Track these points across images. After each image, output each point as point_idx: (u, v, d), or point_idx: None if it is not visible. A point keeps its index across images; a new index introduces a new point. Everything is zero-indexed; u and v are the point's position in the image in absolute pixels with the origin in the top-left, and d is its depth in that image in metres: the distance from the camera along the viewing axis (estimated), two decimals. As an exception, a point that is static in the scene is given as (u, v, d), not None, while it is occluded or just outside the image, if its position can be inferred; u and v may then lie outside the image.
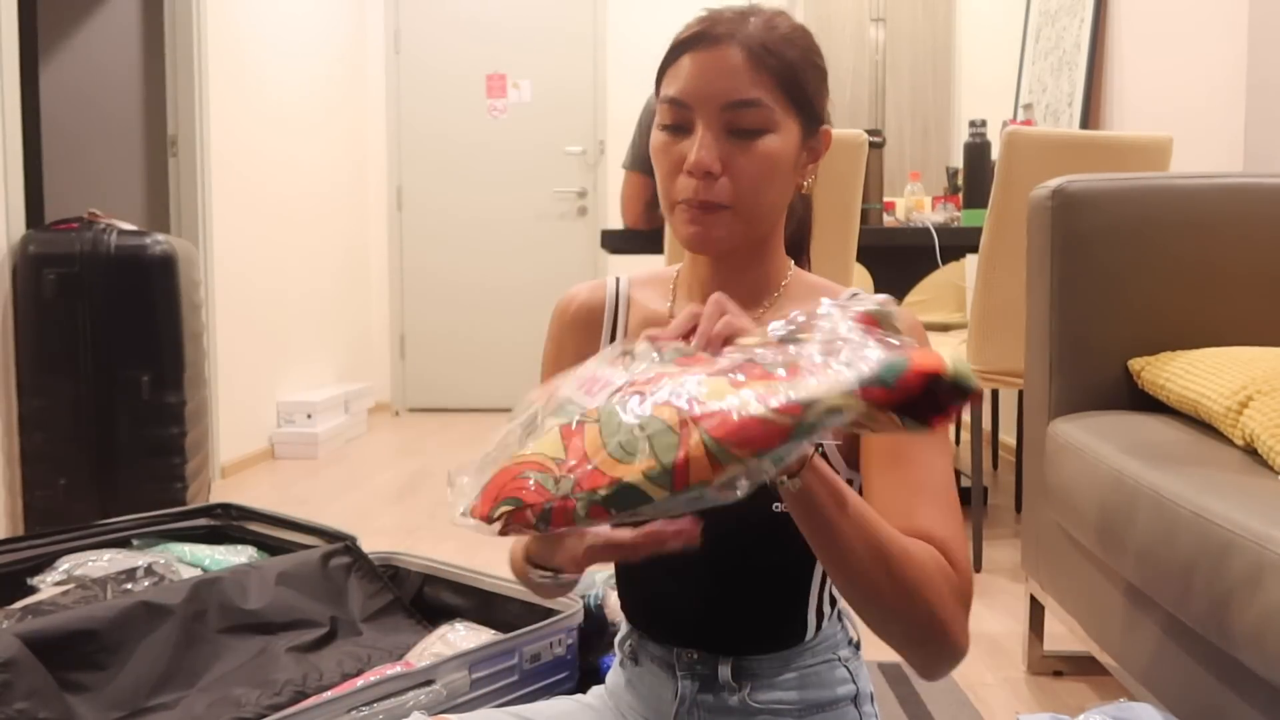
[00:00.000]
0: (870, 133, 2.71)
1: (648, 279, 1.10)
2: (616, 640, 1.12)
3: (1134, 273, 1.82)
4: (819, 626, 1.01)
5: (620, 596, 1.10)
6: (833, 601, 1.03)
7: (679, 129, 0.95)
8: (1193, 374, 1.64)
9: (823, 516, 0.77)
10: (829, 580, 1.00)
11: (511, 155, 5.40)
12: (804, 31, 0.98)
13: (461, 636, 1.78)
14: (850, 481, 0.97)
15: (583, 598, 1.84)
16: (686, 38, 0.95)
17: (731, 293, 0.98)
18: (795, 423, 0.58)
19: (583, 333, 1.08)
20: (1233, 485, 1.31)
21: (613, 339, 1.06)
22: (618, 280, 1.10)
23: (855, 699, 1.03)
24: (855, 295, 0.95)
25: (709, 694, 1.01)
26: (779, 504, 0.92)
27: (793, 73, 0.94)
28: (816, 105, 0.98)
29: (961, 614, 0.83)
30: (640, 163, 2.91)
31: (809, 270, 1.11)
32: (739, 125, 0.93)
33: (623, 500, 0.62)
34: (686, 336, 0.73)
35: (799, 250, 1.11)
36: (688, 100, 0.93)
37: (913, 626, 0.81)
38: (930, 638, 0.81)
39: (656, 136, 0.97)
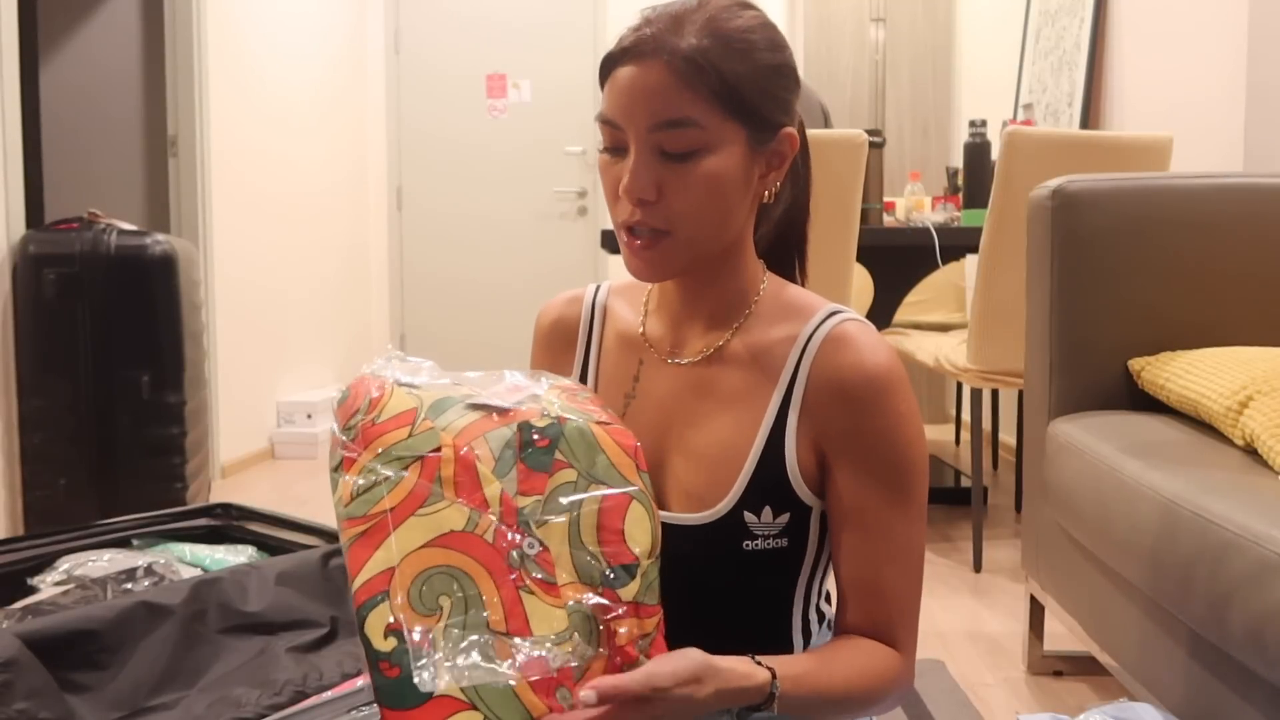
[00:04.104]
0: (870, 133, 2.71)
1: (627, 287, 1.06)
2: None
3: (1134, 273, 1.82)
4: (806, 642, 0.99)
5: None
6: (820, 616, 1.01)
7: (616, 150, 0.90)
8: (1193, 374, 1.64)
9: (793, 713, 0.85)
10: (814, 598, 0.99)
11: (511, 155, 5.40)
12: (754, 29, 0.89)
13: (461, 636, 1.78)
14: (820, 513, 0.94)
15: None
16: (616, 51, 0.89)
17: (698, 310, 0.98)
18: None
19: (559, 346, 1.06)
20: (1233, 485, 1.32)
21: (587, 352, 1.04)
22: (598, 289, 1.07)
23: None
24: (835, 314, 0.95)
25: None
26: (749, 542, 0.91)
27: (727, 85, 0.86)
28: (766, 111, 0.90)
29: (899, 699, 0.93)
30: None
31: (804, 281, 1.05)
32: (669, 148, 0.87)
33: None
34: None
35: (788, 261, 1.05)
36: (617, 120, 0.88)
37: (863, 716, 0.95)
38: (872, 714, 0.95)
39: (600, 156, 0.93)
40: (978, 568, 2.70)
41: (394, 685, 0.71)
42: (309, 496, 3.61)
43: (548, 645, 0.75)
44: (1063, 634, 1.95)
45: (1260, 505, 1.21)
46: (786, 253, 1.05)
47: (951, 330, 3.57)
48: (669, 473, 0.96)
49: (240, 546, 2.18)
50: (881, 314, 3.32)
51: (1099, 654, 1.69)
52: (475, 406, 0.85)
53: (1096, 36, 3.37)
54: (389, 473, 0.79)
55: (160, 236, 2.94)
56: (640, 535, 0.82)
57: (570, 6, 5.34)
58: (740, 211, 0.93)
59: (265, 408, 4.28)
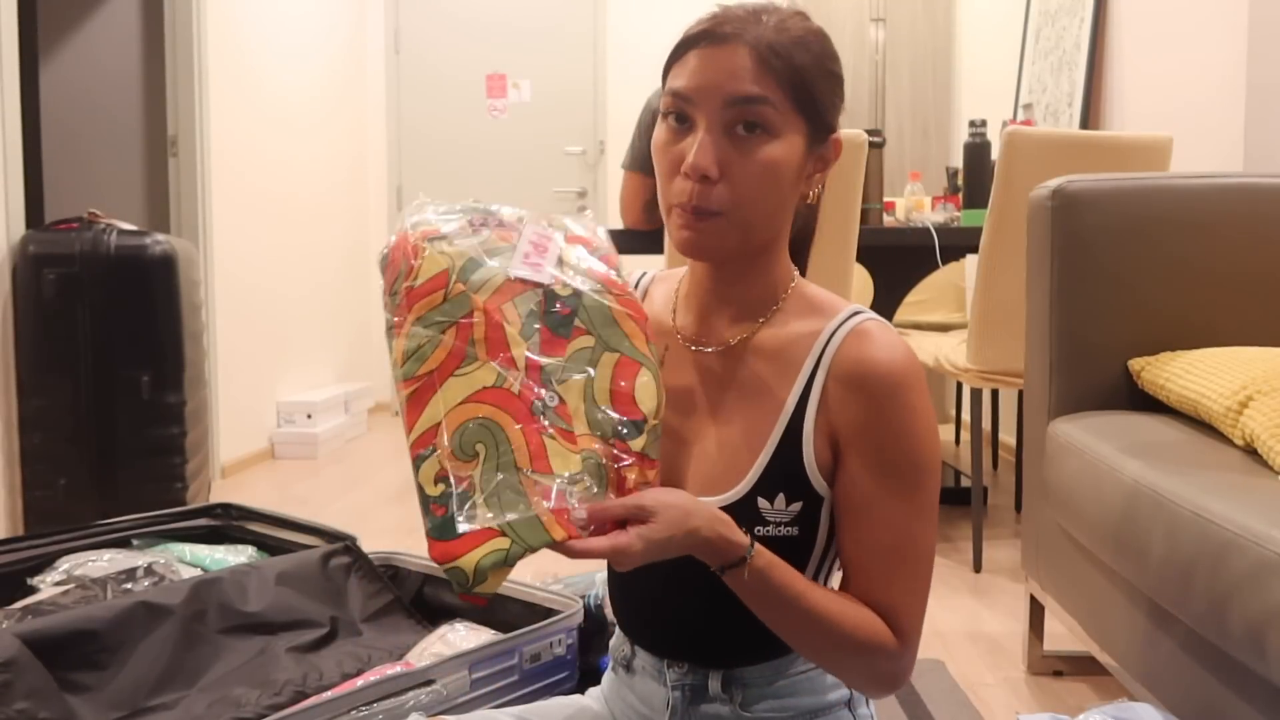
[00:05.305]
0: (870, 133, 2.71)
1: (668, 275, 1.10)
2: (611, 645, 1.11)
3: (1134, 273, 1.82)
4: None
5: (613, 605, 1.09)
6: None
7: (681, 119, 0.93)
8: (1193, 374, 1.64)
9: (763, 604, 0.89)
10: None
11: (511, 155, 5.40)
12: (820, 36, 0.95)
13: (461, 636, 1.78)
14: (831, 504, 0.95)
15: (582, 598, 1.84)
16: (694, 34, 0.93)
17: (727, 302, 1.01)
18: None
19: None
20: (1233, 485, 1.32)
21: None
22: (644, 275, 1.11)
23: (849, 703, 1.03)
24: (858, 313, 0.98)
25: (699, 704, 1.00)
26: (761, 527, 0.93)
27: (800, 77, 0.91)
28: (826, 112, 0.95)
29: (892, 680, 0.95)
30: (640, 163, 2.91)
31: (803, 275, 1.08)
32: (742, 120, 0.91)
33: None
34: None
35: (797, 258, 1.08)
36: (691, 95, 0.92)
37: (845, 678, 0.99)
38: (858, 686, 0.99)
39: (658, 132, 0.95)
40: (978, 568, 2.70)
41: (442, 522, 0.82)
42: (309, 496, 3.62)
43: (563, 482, 0.84)
44: (1063, 634, 1.95)
45: (1260, 505, 1.21)
46: (796, 251, 1.08)
47: (951, 330, 3.57)
48: (688, 456, 0.98)
49: (240, 546, 2.18)
50: (881, 314, 3.25)
51: (1099, 654, 1.69)
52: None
53: (1096, 36, 3.37)
54: (430, 333, 0.88)
55: (160, 236, 2.94)
56: (647, 399, 0.91)
57: (570, 7, 5.34)
58: (788, 205, 0.97)
59: (265, 408, 4.28)
